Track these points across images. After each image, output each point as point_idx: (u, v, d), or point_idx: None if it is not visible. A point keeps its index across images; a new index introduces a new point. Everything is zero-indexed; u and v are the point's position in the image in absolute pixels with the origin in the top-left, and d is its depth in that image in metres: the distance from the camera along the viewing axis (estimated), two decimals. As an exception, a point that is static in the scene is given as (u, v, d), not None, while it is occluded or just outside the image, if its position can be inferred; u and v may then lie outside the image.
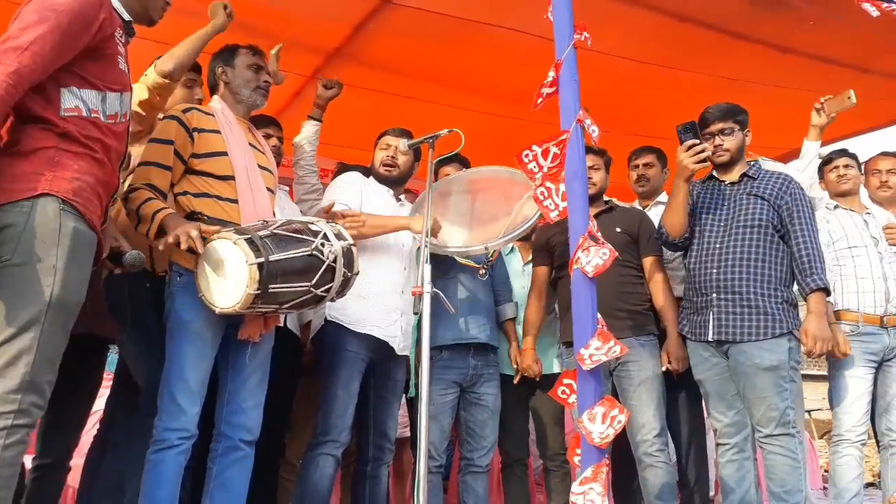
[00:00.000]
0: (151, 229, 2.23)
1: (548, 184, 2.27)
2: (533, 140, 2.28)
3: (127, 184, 2.37)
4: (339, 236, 2.33)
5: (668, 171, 3.67)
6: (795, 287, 2.88)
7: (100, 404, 2.81)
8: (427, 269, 2.39)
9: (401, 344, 2.93)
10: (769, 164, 3.41)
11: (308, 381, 3.10)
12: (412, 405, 3.17)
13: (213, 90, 2.63)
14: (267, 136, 2.97)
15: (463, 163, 3.44)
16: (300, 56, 3.64)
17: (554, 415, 3.37)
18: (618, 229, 3.15)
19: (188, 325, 2.27)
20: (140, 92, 2.50)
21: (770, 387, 2.72)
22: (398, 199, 3.17)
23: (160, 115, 2.58)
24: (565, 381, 2.23)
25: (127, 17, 1.98)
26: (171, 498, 2.20)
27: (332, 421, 2.76)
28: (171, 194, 2.40)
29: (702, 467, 3.19)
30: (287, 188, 3.54)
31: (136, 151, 2.46)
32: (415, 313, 2.39)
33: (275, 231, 2.22)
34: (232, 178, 2.40)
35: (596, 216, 2.92)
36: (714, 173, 3.06)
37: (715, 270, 2.87)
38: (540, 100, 2.33)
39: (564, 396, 2.22)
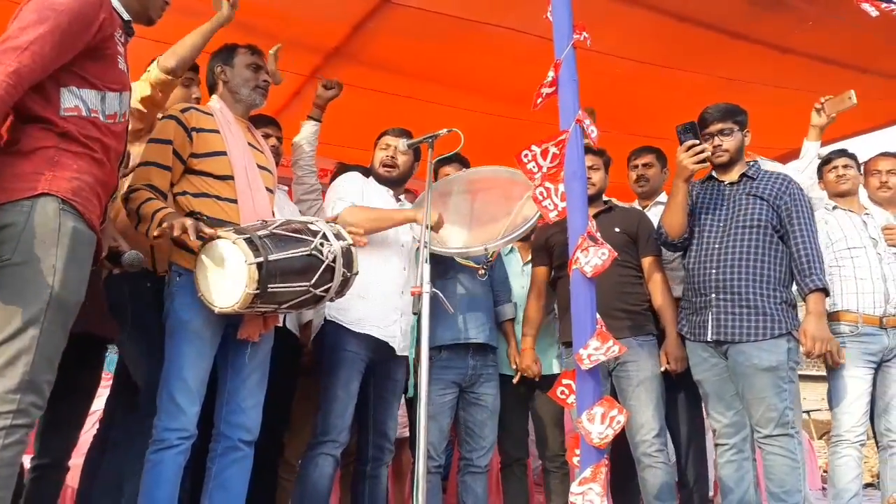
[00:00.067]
0: (151, 229, 2.22)
1: (547, 184, 2.26)
2: (532, 140, 2.27)
3: (126, 184, 2.36)
4: (338, 236, 2.33)
5: (667, 172, 3.67)
6: (794, 287, 2.88)
7: (99, 404, 2.81)
8: (426, 269, 2.39)
9: (400, 344, 2.93)
10: (768, 165, 3.41)
11: (307, 381, 3.10)
12: (411, 405, 3.17)
13: (211, 90, 2.62)
14: (266, 136, 2.96)
15: (462, 163, 3.44)
16: (299, 56, 3.64)
17: (553, 415, 3.36)
18: (617, 229, 3.14)
19: (187, 324, 2.27)
20: (142, 88, 2.49)
21: (769, 387, 2.72)
22: (398, 199, 3.16)
23: (159, 115, 2.58)
24: (564, 381, 2.22)
25: (126, 16, 1.98)
26: (170, 498, 2.20)
27: (332, 421, 2.77)
28: (171, 194, 2.39)
29: (701, 467, 3.19)
30: (286, 188, 3.54)
31: (137, 151, 2.45)
32: (414, 313, 2.39)
33: (274, 231, 2.22)
34: (231, 177, 2.40)
35: (595, 216, 2.91)
36: (713, 173, 3.06)
37: (714, 271, 2.87)
38: (539, 100, 2.32)
39: (563, 397, 2.21)
